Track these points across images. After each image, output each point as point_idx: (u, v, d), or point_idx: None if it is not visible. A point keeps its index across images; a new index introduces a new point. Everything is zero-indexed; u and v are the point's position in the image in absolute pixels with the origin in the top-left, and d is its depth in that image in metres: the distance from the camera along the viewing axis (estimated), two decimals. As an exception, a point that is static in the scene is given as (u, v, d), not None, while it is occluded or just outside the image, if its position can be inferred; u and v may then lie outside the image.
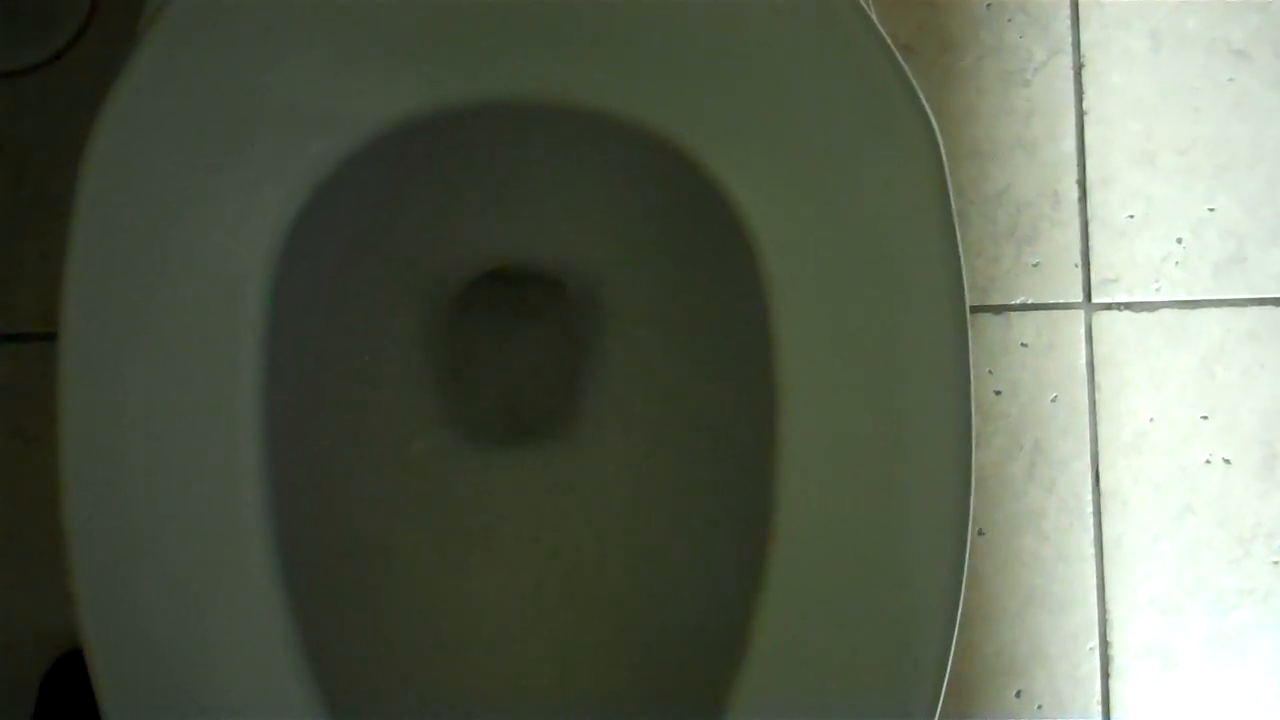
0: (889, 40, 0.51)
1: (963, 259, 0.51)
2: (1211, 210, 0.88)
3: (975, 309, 0.87)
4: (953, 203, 0.51)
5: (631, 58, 0.53)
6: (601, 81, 0.53)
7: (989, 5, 0.88)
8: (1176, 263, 0.87)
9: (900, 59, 0.51)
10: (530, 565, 0.65)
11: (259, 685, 0.52)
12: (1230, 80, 0.88)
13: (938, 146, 0.51)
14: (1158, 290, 0.87)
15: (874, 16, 0.52)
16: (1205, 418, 0.87)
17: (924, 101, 0.51)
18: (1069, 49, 0.88)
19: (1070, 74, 0.88)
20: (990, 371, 0.87)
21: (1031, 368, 0.87)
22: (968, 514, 0.52)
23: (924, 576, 0.52)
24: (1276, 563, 0.87)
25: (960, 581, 0.51)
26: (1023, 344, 0.87)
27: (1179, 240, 0.88)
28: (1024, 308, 0.87)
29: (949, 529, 0.52)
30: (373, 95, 0.52)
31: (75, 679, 0.82)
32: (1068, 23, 0.88)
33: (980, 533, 0.87)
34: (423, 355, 0.66)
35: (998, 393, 0.87)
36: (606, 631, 0.64)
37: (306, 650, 0.52)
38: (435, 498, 0.66)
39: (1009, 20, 0.88)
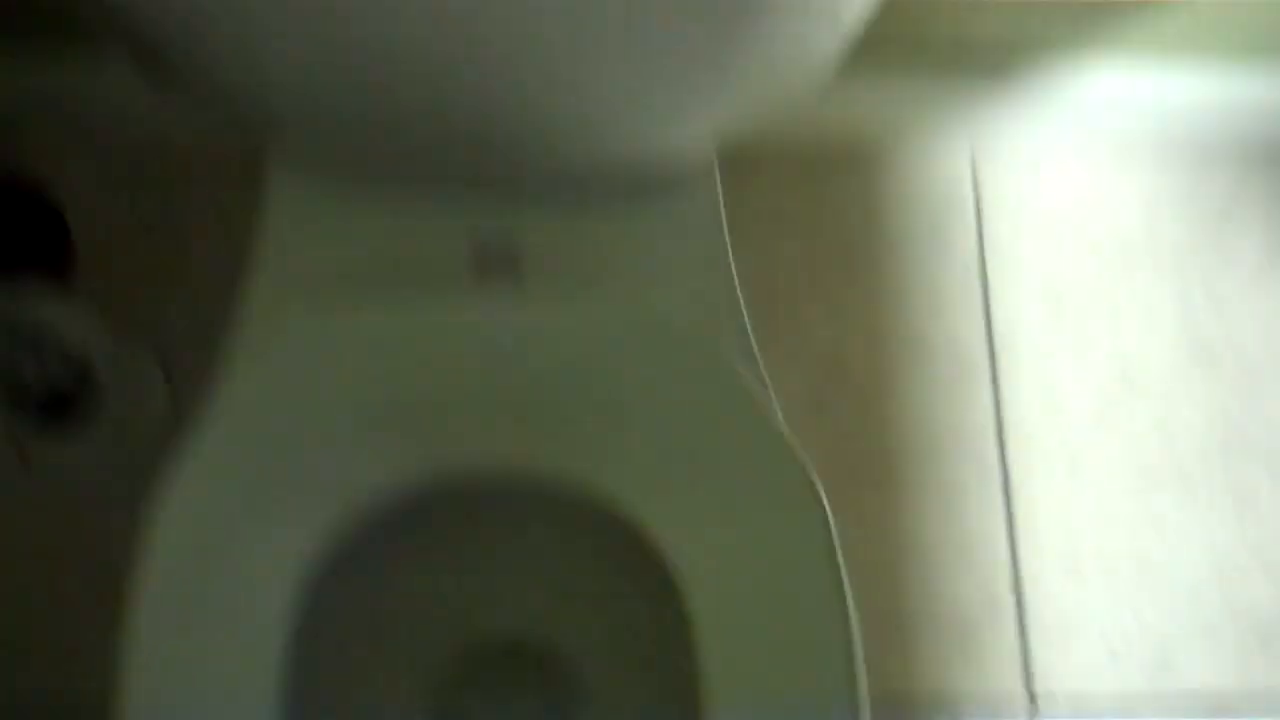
0: (786, 430, 0.62)
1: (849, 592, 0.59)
2: (1137, 618, 0.94)
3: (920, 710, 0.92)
4: (841, 563, 0.60)
5: (583, 442, 0.64)
6: (554, 462, 0.64)
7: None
8: (1109, 668, 0.93)
9: (796, 444, 0.62)
10: None
11: None
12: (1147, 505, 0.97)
13: (826, 517, 0.61)
14: (1096, 692, 0.92)
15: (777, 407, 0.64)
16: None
17: (815, 481, 0.61)
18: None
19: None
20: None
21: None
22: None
23: None
24: None
25: None
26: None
27: (1110, 648, 0.93)
28: (966, 706, 0.92)
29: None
30: (347, 482, 0.63)
31: None
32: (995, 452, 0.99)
33: None
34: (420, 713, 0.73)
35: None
36: None
37: None
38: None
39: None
